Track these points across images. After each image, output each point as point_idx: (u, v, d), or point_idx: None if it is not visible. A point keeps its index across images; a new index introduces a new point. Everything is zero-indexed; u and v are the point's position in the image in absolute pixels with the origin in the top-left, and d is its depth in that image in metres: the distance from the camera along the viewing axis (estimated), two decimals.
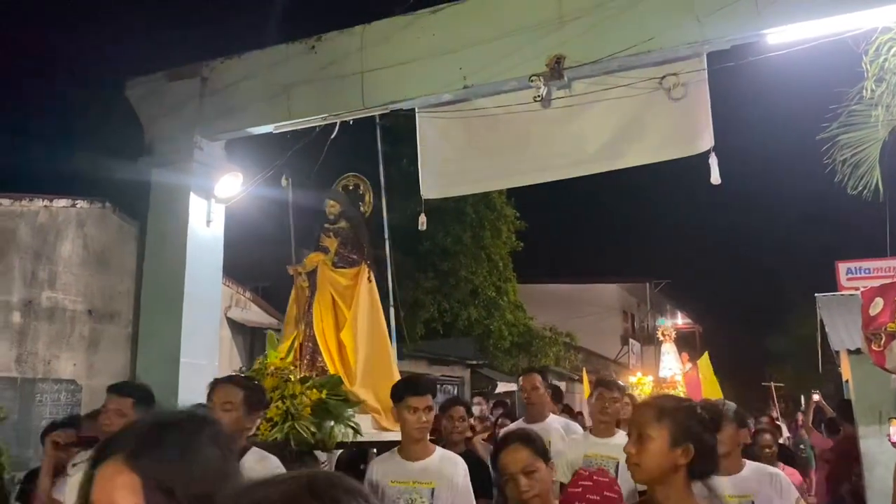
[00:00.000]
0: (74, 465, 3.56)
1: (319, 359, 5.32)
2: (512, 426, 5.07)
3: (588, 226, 54.66)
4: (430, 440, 5.22)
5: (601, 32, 4.92)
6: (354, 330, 5.38)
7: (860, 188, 5.43)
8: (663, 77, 5.08)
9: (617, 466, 3.86)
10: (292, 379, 4.72)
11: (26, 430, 6.34)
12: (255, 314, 9.84)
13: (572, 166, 5.72)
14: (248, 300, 9.96)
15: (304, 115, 5.84)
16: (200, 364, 5.65)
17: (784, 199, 55.00)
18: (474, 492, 3.48)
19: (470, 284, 18.69)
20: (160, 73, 6.42)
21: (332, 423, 4.65)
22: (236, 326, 9.48)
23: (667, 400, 2.14)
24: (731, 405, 3.61)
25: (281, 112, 5.87)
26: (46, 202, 6.94)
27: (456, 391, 15.58)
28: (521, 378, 5.04)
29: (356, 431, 4.74)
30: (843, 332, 8.46)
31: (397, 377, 5.18)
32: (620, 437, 3.97)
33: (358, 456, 5.35)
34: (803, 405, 16.49)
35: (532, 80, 4.92)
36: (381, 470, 3.49)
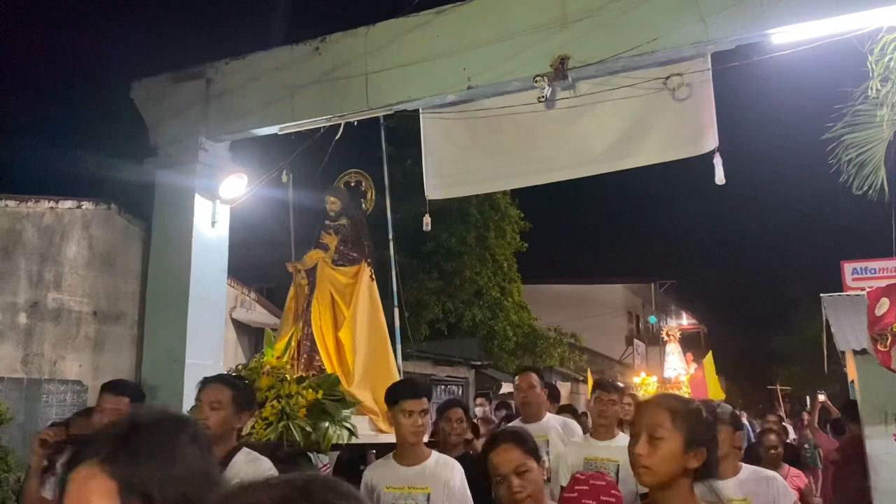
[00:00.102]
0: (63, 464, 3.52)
1: (317, 358, 5.24)
2: (510, 426, 5.00)
3: (592, 226, 54.64)
4: (431, 442, 5.23)
5: (605, 33, 4.92)
6: (353, 329, 5.31)
7: (865, 188, 5.41)
8: (668, 77, 5.08)
9: (618, 469, 3.83)
10: (288, 378, 4.63)
11: (32, 431, 6.36)
12: (259, 315, 9.85)
13: (576, 167, 5.72)
14: (253, 301, 9.97)
15: (308, 116, 5.85)
16: (205, 365, 5.65)
17: (789, 199, 54.93)
18: (475, 496, 3.40)
19: (474, 285, 18.68)
20: (165, 74, 6.44)
21: (328, 424, 4.56)
22: (241, 327, 9.49)
23: (676, 401, 2.06)
24: (727, 407, 3.55)
25: (285, 113, 5.88)
26: (52, 203, 6.95)
27: (460, 392, 15.58)
28: (516, 377, 4.94)
29: (352, 433, 4.65)
30: (848, 333, 8.43)
31: (397, 378, 5.12)
32: (621, 439, 3.95)
33: (358, 457, 5.27)
34: (808, 405, 16.44)
35: (536, 81, 4.92)
36: (376, 476, 3.43)
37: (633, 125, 5.38)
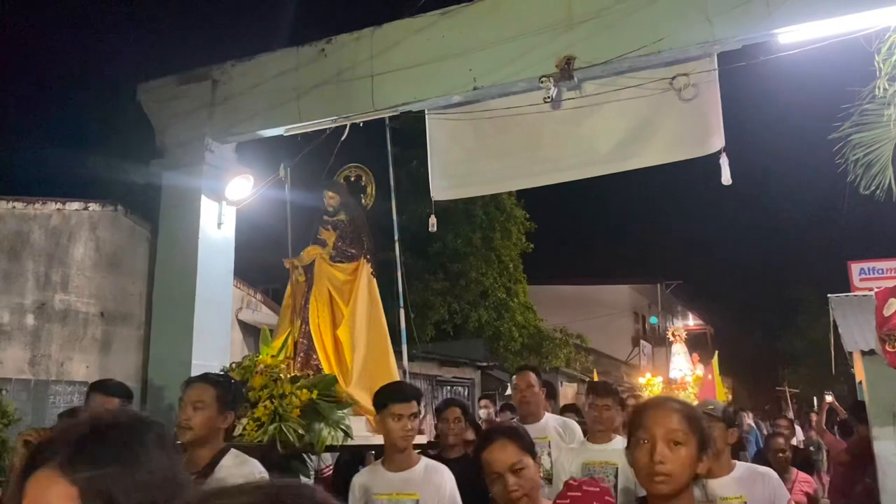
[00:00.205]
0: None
1: (314, 357, 5.12)
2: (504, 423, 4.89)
3: (599, 227, 54.55)
4: (431, 443, 5.19)
5: (611, 33, 4.91)
6: (352, 327, 5.17)
7: (873, 188, 5.38)
8: (674, 77, 5.07)
9: (616, 472, 3.77)
10: (282, 377, 4.50)
11: None
12: (265, 316, 9.85)
13: (582, 167, 5.71)
14: (259, 302, 9.98)
15: (314, 117, 5.87)
16: (212, 365, 5.63)
17: (796, 200, 54.70)
18: (476, 498, 3.24)
19: (480, 286, 18.67)
20: (171, 76, 6.46)
21: (322, 425, 4.42)
22: (247, 328, 9.50)
23: (684, 404, 2.00)
24: (720, 403, 3.49)
25: (291, 115, 5.90)
26: (59, 205, 6.97)
27: (466, 393, 15.58)
28: (514, 376, 4.81)
29: (347, 434, 4.51)
30: (856, 333, 8.39)
31: (397, 378, 5.06)
32: (618, 442, 3.87)
33: (359, 459, 5.18)
34: (816, 406, 16.37)
35: (542, 82, 4.92)
36: (364, 482, 3.34)
37: (639, 125, 5.37)
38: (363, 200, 5.75)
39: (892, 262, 11.81)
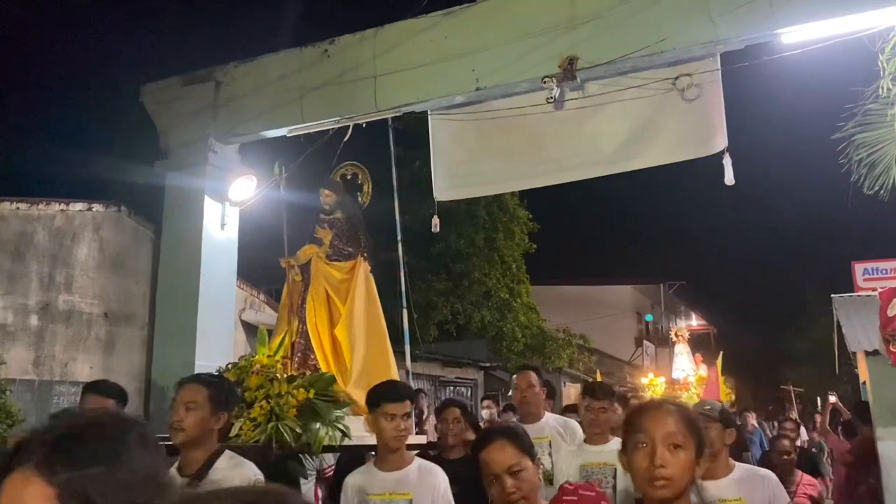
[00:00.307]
0: None
1: (312, 357, 5.09)
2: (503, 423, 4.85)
3: (602, 227, 54.53)
4: (432, 444, 5.17)
5: (614, 33, 4.91)
6: (349, 326, 5.13)
7: (876, 188, 5.37)
8: (677, 78, 5.07)
9: (615, 473, 3.73)
10: (278, 377, 4.45)
11: None
12: (268, 316, 9.85)
13: (585, 168, 5.71)
14: (262, 302, 9.99)
15: (317, 118, 5.87)
16: (215, 366, 5.65)
17: (799, 200, 54.60)
18: (476, 500, 3.27)
19: (483, 286, 18.67)
20: (175, 77, 6.47)
21: (319, 425, 4.36)
22: (250, 329, 9.50)
23: (680, 406, 1.95)
24: (717, 404, 3.44)
25: (294, 115, 5.90)
26: (62, 206, 6.99)
27: (469, 393, 15.58)
28: (514, 376, 4.73)
29: (344, 434, 4.46)
30: (860, 334, 8.37)
31: (396, 377, 5.00)
32: (616, 443, 3.80)
33: (361, 459, 5.16)
34: (819, 407, 16.35)
35: (545, 82, 4.92)
36: (357, 483, 3.28)
37: (643, 126, 5.37)
38: (359, 198, 5.71)
39: None
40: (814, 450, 9.51)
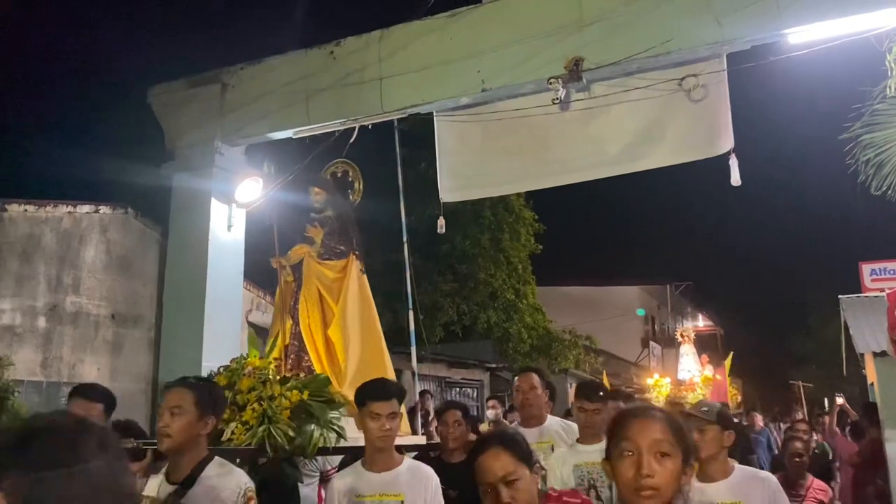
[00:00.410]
0: None
1: (305, 358, 5.02)
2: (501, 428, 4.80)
3: (608, 228, 54.41)
4: (432, 445, 5.14)
5: (620, 34, 4.90)
6: (343, 326, 5.06)
7: (884, 188, 5.35)
8: (683, 78, 5.06)
9: None
10: (271, 379, 4.36)
11: None
12: None
13: (591, 169, 5.70)
14: (269, 303, 10.01)
15: (323, 119, 5.88)
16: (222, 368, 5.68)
17: (806, 200, 54.46)
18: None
19: (489, 287, 18.66)
20: (181, 79, 6.50)
21: (313, 427, 4.26)
22: (257, 330, 9.53)
23: (664, 412, 1.87)
24: (715, 404, 3.34)
25: (300, 117, 5.91)
26: (70, 208, 7.02)
27: (475, 394, 15.58)
28: (516, 378, 4.63)
29: (340, 436, 4.36)
30: (867, 335, 8.34)
31: (392, 376, 4.95)
32: None
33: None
34: (827, 408, 16.27)
35: (550, 83, 4.92)
36: (345, 485, 3.19)
37: (648, 126, 5.37)
38: (350, 196, 5.68)
39: None
40: (816, 451, 9.46)
